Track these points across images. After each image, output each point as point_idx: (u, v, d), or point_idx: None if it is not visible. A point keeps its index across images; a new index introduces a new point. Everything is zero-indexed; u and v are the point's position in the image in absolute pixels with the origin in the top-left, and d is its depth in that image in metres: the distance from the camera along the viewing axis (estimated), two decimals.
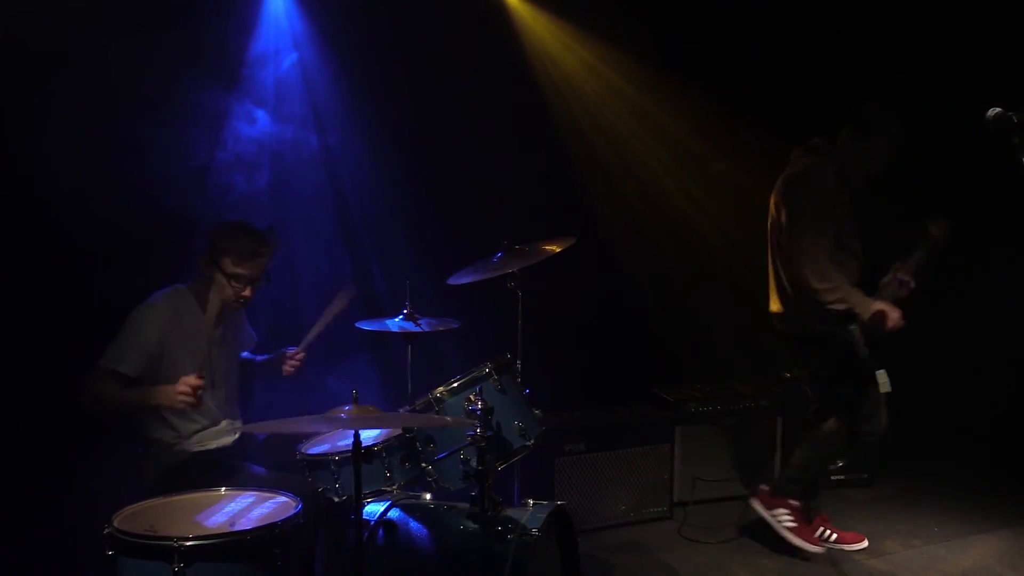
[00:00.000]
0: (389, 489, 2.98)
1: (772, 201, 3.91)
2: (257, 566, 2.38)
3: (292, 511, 2.52)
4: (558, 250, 3.40)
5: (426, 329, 3.47)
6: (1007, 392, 4.77)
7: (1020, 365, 4.72)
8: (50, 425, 3.40)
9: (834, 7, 4.88)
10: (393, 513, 2.81)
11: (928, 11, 4.74)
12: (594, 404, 4.51)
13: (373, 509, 2.91)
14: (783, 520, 3.88)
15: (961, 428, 4.80)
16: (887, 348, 3.63)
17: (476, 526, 2.66)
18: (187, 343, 3.11)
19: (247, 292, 3.14)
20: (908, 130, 3.74)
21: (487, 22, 4.75)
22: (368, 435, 3.13)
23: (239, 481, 2.87)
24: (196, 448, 3.12)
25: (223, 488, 2.70)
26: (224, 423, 3.25)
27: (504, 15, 4.86)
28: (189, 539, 2.29)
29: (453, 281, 3.44)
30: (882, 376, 3.57)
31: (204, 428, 3.17)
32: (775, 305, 3.94)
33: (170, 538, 2.29)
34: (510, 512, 2.74)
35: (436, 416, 2.85)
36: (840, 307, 3.60)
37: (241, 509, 2.62)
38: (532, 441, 2.97)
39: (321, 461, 3.00)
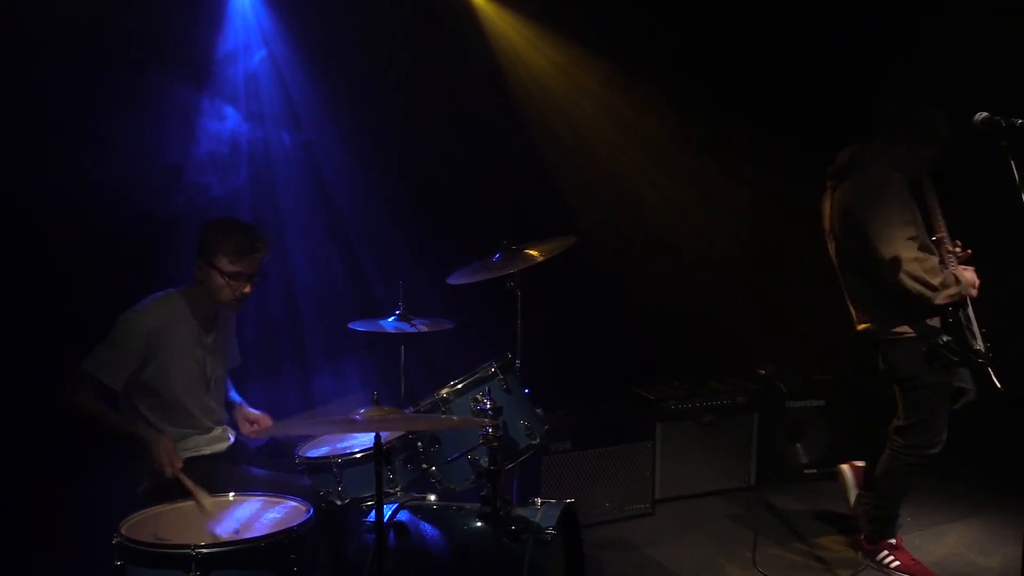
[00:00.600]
0: (392, 491, 2.96)
1: (838, 212, 3.65)
2: (274, 572, 2.34)
3: (306, 515, 2.48)
4: (557, 251, 3.41)
5: (421, 330, 3.45)
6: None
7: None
8: (28, 431, 3.29)
9: (806, 4, 4.98)
10: (402, 515, 2.78)
11: (908, 9, 4.87)
12: (577, 403, 4.54)
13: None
14: (888, 562, 3.74)
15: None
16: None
17: (490, 526, 2.65)
18: (177, 351, 3.03)
19: (247, 289, 3.06)
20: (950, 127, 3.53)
21: (453, 21, 4.73)
22: (367, 437, 3.11)
23: (237, 486, 2.80)
24: (190, 454, 3.03)
25: (231, 493, 2.65)
26: (218, 430, 3.17)
27: (471, 15, 4.84)
28: (206, 546, 2.24)
29: (453, 280, 3.42)
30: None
31: (196, 435, 3.09)
32: (861, 324, 3.73)
33: (187, 546, 2.24)
34: (521, 511, 2.74)
35: (456, 417, 2.82)
36: (953, 292, 3.43)
37: (251, 515, 2.57)
38: (538, 440, 2.99)
39: (323, 464, 2.97)
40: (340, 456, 2.95)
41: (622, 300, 5.04)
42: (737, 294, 5.16)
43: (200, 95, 4.21)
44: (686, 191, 5.23)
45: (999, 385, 3.37)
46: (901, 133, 3.55)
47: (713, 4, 5.04)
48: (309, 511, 2.51)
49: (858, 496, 3.93)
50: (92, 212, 3.62)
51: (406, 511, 2.79)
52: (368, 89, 4.51)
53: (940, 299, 3.39)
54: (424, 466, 3.01)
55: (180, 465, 2.76)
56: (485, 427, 2.69)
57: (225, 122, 4.32)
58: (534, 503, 2.83)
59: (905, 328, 3.52)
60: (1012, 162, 2.84)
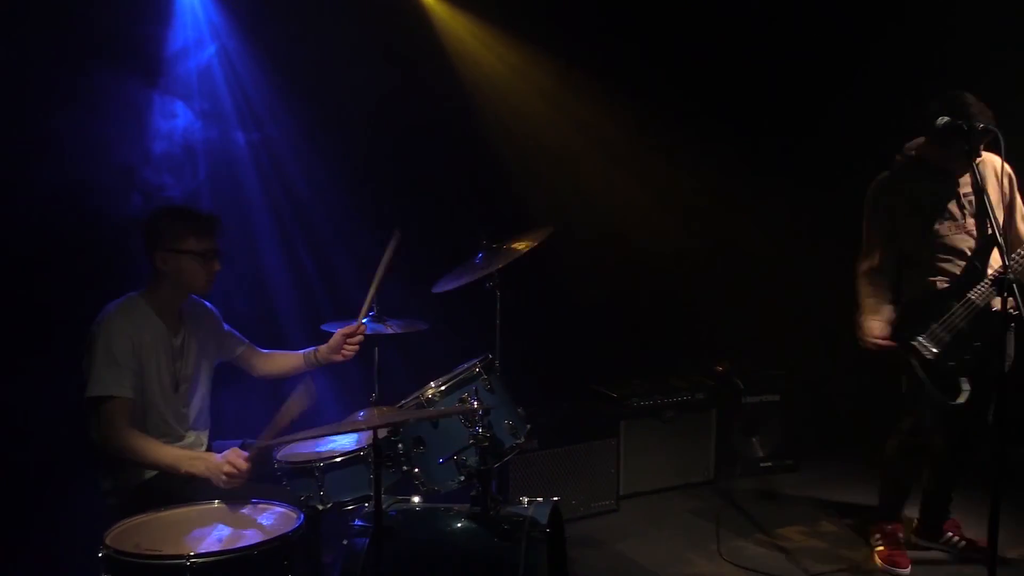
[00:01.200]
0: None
1: None
2: None
3: (297, 521, 2.44)
4: (536, 244, 3.42)
5: (397, 331, 3.41)
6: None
7: None
8: None
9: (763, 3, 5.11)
10: (391, 518, 2.75)
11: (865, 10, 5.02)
12: (542, 402, 4.56)
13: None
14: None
15: (865, 413, 5.09)
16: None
17: (482, 527, 2.65)
18: (152, 354, 2.95)
19: (218, 265, 3.03)
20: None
21: (404, 18, 4.70)
22: (348, 440, 3.07)
23: (220, 494, 2.72)
24: None
25: (216, 501, 2.58)
26: (191, 436, 3.09)
27: (422, 15, 4.82)
28: (200, 556, 2.19)
29: (439, 288, 3.40)
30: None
31: (170, 442, 3.00)
32: None
33: (181, 556, 2.18)
34: (510, 511, 2.75)
35: (447, 408, 2.78)
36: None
37: (238, 522, 2.51)
38: (522, 439, 2.98)
39: (304, 468, 2.91)
40: (322, 459, 2.89)
41: (581, 299, 5.09)
42: (694, 292, 5.25)
43: (151, 92, 4.11)
44: (642, 189, 5.30)
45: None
46: (927, 130, 3.43)
47: (663, 2, 5.12)
48: (300, 516, 2.47)
49: None
50: (35, 213, 3.49)
51: (394, 513, 2.76)
52: (324, 88, 4.46)
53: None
54: (405, 468, 2.98)
55: (244, 457, 2.73)
56: (475, 427, 2.68)
57: (179, 120, 4.22)
58: (521, 502, 2.84)
59: None
60: (974, 164, 2.99)
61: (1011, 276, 2.78)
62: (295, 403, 2.84)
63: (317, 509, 2.88)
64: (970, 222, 3.47)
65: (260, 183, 4.33)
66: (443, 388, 2.93)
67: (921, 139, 3.51)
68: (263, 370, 3.42)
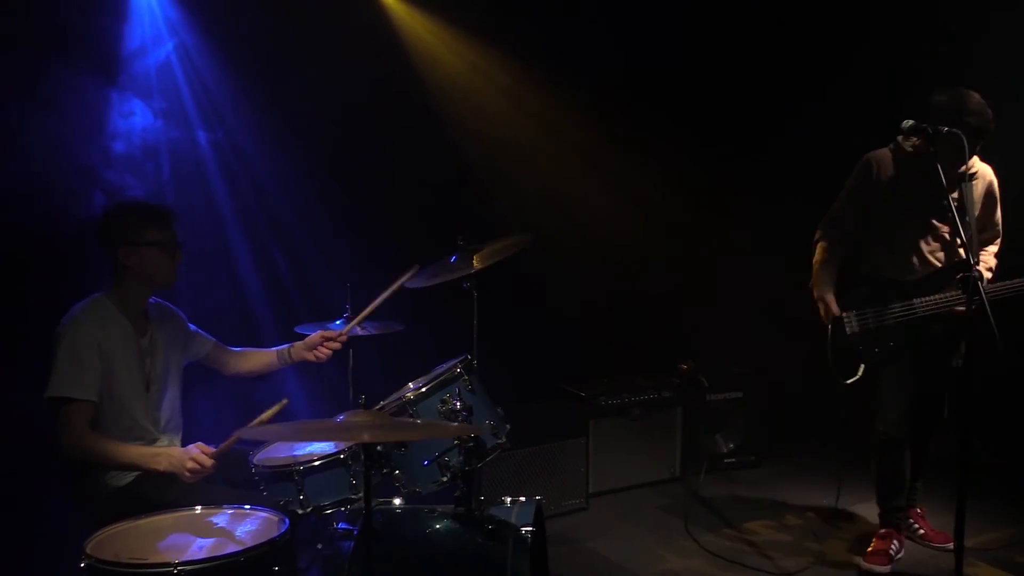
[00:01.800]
0: (356, 497, 2.90)
1: None
2: None
3: (283, 526, 2.41)
4: (519, 246, 3.43)
5: (372, 332, 3.39)
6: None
7: None
8: None
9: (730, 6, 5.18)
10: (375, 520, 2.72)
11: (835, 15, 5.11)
12: (512, 402, 4.55)
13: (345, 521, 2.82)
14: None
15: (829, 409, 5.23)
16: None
17: (468, 527, 2.65)
18: (119, 355, 2.90)
19: (180, 255, 3.02)
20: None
21: (364, 17, 4.67)
22: (325, 442, 3.03)
23: (198, 499, 2.67)
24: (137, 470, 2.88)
25: (198, 507, 2.53)
26: (164, 440, 3.02)
27: (381, 13, 4.80)
28: (188, 563, 2.14)
29: (412, 285, 3.38)
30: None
31: (143, 446, 2.93)
32: None
33: (168, 564, 2.13)
34: (495, 511, 2.75)
35: (458, 425, 2.77)
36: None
37: (222, 529, 2.47)
38: (503, 439, 2.99)
39: (283, 472, 2.88)
40: (301, 463, 2.86)
41: (549, 300, 5.11)
42: (659, 292, 5.31)
43: (109, 89, 4.03)
44: (606, 189, 5.34)
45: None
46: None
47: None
48: (285, 521, 2.44)
49: None
50: None
51: (377, 515, 2.74)
52: (286, 87, 4.41)
53: None
54: (385, 470, 2.97)
55: (210, 453, 2.77)
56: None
57: (139, 118, 4.14)
58: (504, 502, 2.85)
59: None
60: (939, 166, 3.09)
61: (976, 274, 2.87)
62: (269, 413, 2.84)
63: (297, 513, 2.85)
64: (941, 227, 3.56)
65: (225, 181, 4.27)
66: (424, 390, 2.92)
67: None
68: (235, 368, 3.38)
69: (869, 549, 3.78)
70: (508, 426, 3.07)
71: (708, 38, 5.21)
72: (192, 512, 2.52)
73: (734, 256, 5.30)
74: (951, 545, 3.39)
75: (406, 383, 3.12)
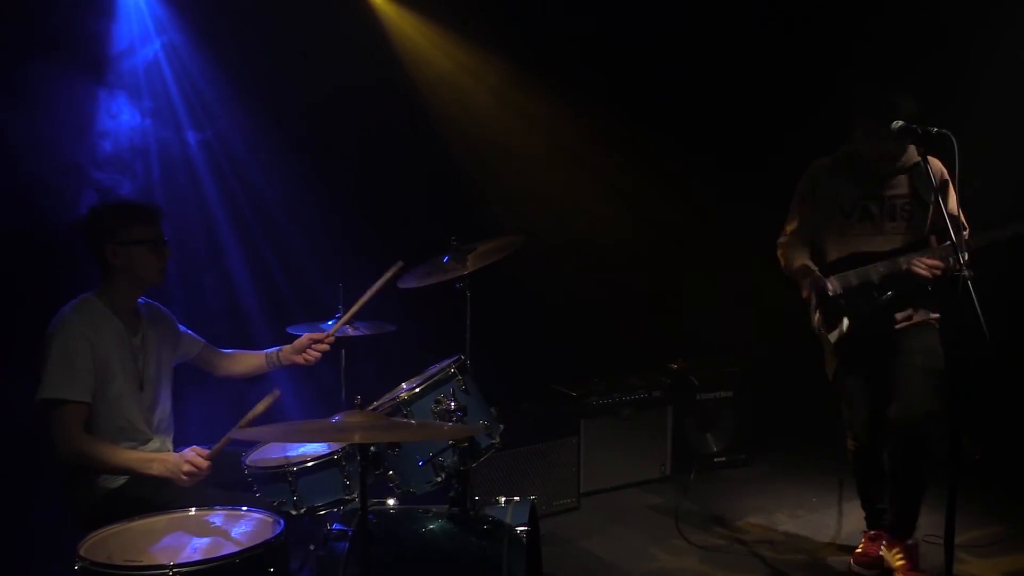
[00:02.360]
0: (349, 498, 2.90)
1: None
2: None
3: (279, 527, 2.40)
4: (512, 247, 3.43)
5: (365, 332, 3.39)
6: None
7: None
8: None
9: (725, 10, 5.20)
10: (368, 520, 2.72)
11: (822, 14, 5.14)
12: (502, 402, 4.55)
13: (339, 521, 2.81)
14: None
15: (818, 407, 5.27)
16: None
17: (463, 527, 2.65)
18: (114, 355, 2.88)
19: (168, 252, 3.01)
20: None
21: (353, 19, 4.67)
22: (318, 443, 3.02)
23: (191, 501, 2.66)
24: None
25: (192, 509, 2.51)
26: (156, 441, 3.01)
27: (370, 13, 4.79)
28: (184, 565, 2.13)
29: (405, 285, 3.38)
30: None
31: (137, 446, 2.91)
32: None
33: (164, 566, 2.12)
34: (489, 511, 2.75)
35: (453, 426, 2.76)
36: (796, 278, 3.69)
37: (216, 530, 2.45)
38: (497, 439, 3.00)
39: (277, 473, 2.86)
40: (295, 464, 2.85)
41: (539, 299, 5.12)
42: (650, 291, 5.33)
43: (97, 88, 4.01)
44: (596, 188, 5.36)
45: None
46: (857, 119, 3.53)
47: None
48: (280, 522, 2.43)
49: None
50: None
51: (371, 516, 2.73)
52: (276, 87, 4.41)
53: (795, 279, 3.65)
54: (379, 471, 2.96)
55: (205, 455, 2.77)
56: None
57: (128, 117, 4.13)
58: (498, 502, 2.85)
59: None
60: (928, 168, 3.11)
61: (966, 274, 2.87)
62: (260, 406, 2.83)
63: (291, 515, 2.84)
64: (889, 225, 3.55)
65: (214, 180, 4.26)
66: (417, 390, 2.92)
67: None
68: (225, 370, 3.37)
69: (858, 550, 3.80)
70: (502, 426, 3.07)
71: (696, 41, 5.23)
72: (186, 514, 2.50)
73: (725, 256, 5.32)
74: None
75: (399, 383, 3.12)
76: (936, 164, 3.52)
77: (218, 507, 2.56)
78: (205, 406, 3.48)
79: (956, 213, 3.53)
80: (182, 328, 3.24)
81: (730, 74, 5.25)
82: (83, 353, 2.77)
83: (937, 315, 3.62)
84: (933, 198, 3.43)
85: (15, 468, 3.03)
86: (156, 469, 2.74)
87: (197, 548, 2.34)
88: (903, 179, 3.57)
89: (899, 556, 3.60)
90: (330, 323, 3.46)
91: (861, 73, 4.83)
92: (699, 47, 5.21)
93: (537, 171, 5.29)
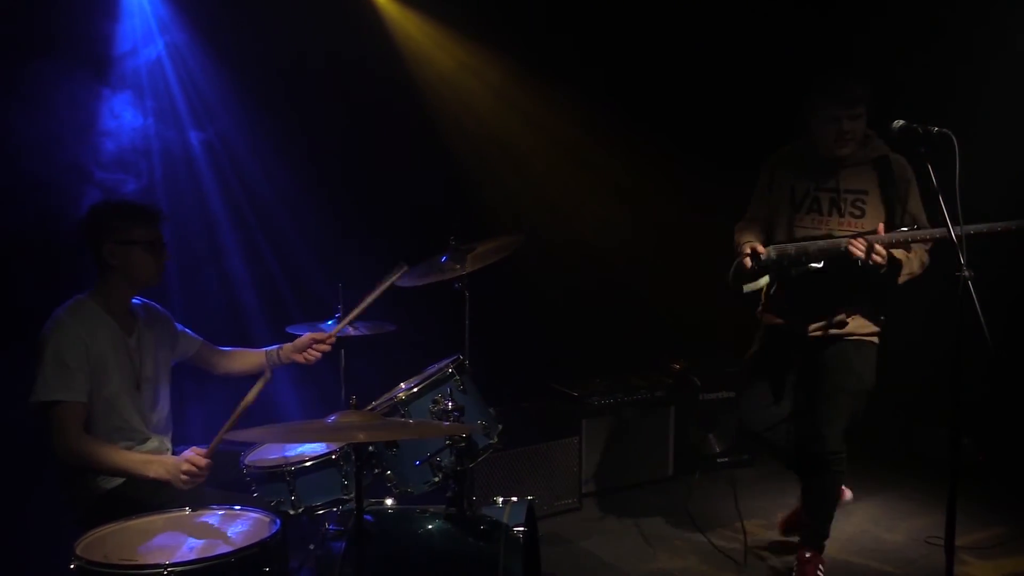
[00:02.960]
0: (347, 498, 2.90)
1: None
2: None
3: (274, 527, 2.40)
4: (511, 247, 3.43)
5: (364, 332, 3.39)
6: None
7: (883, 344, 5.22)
8: None
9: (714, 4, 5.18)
10: (365, 520, 2.72)
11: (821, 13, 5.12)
12: (503, 402, 4.55)
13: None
14: None
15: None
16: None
17: (459, 527, 2.65)
18: (110, 355, 2.88)
19: (167, 254, 3.01)
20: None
21: (355, 19, 4.67)
22: (317, 443, 3.02)
23: (188, 501, 2.66)
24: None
25: (187, 508, 2.52)
26: (154, 441, 3.01)
27: (372, 13, 4.79)
28: (179, 565, 2.13)
29: (402, 283, 3.38)
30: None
31: (131, 447, 2.92)
32: None
33: (159, 565, 2.12)
34: (487, 511, 2.75)
35: (449, 424, 2.76)
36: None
37: (212, 530, 2.46)
38: (495, 440, 2.99)
39: (275, 473, 2.87)
40: (293, 464, 2.85)
41: (541, 299, 5.11)
42: (652, 291, 5.32)
43: (100, 88, 4.01)
44: (597, 188, 5.35)
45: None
46: (815, 103, 3.48)
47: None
48: (276, 522, 2.43)
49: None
50: None
51: (369, 516, 2.74)
52: (278, 87, 4.41)
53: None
54: (377, 470, 2.96)
55: (203, 454, 2.76)
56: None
57: (130, 117, 4.13)
58: (495, 502, 2.85)
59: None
60: (930, 167, 3.08)
61: (966, 275, 2.85)
62: (253, 392, 2.79)
63: (288, 514, 2.85)
64: (836, 220, 3.46)
65: (216, 181, 4.26)
66: (415, 390, 2.92)
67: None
68: (224, 368, 3.37)
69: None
70: (500, 426, 3.07)
71: (698, 41, 5.22)
72: (183, 513, 2.51)
73: (726, 255, 5.29)
74: None
75: (398, 383, 3.12)
76: (900, 162, 3.51)
77: (215, 506, 2.56)
78: (205, 406, 3.48)
79: (918, 213, 3.47)
80: (180, 327, 3.24)
81: (731, 74, 5.24)
82: (77, 353, 2.77)
83: (876, 330, 3.52)
84: (898, 193, 3.43)
85: (13, 467, 3.03)
86: (154, 471, 2.74)
87: (193, 547, 2.34)
88: (867, 172, 3.51)
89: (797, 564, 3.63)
90: (330, 323, 3.46)
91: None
92: (701, 47, 5.20)
93: (540, 170, 5.28)
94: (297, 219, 4.34)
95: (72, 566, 2.16)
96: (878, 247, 3.25)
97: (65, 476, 2.83)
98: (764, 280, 3.48)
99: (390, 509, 2.86)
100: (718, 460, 5.03)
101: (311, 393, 3.95)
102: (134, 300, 3.06)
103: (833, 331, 3.50)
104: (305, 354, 3.31)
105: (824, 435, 3.47)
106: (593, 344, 5.17)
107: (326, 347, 3.31)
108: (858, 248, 3.24)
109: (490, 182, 5.08)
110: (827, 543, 3.97)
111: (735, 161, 5.25)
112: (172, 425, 3.12)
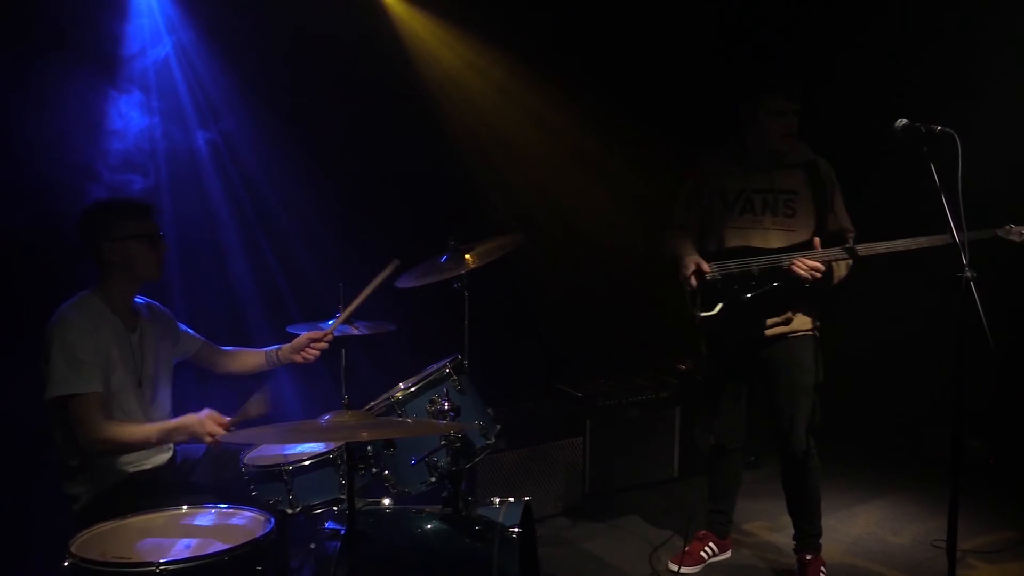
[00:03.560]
0: (345, 497, 2.90)
1: None
2: None
3: (268, 526, 2.41)
4: (511, 246, 3.43)
5: (364, 332, 3.39)
6: (869, 373, 5.25)
7: (883, 348, 5.19)
8: None
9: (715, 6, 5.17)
10: (361, 520, 2.73)
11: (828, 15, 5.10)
12: (508, 403, 4.56)
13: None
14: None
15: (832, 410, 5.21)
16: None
17: (454, 528, 2.65)
18: (115, 351, 2.90)
19: (165, 246, 3.03)
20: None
21: (362, 18, 4.67)
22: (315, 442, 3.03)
23: (187, 499, 2.68)
24: (132, 469, 2.89)
25: (184, 506, 2.53)
26: None
27: (379, 12, 4.80)
28: (171, 562, 2.14)
29: (402, 284, 3.38)
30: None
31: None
32: None
33: (151, 563, 2.13)
34: (482, 511, 2.75)
35: (444, 423, 2.76)
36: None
37: (207, 528, 2.47)
38: (492, 440, 2.98)
39: (272, 472, 2.87)
40: (291, 463, 2.86)
41: (545, 299, 5.10)
42: (656, 291, 5.28)
43: (107, 88, 4.03)
44: (604, 188, 5.33)
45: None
46: (759, 99, 3.54)
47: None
48: (271, 521, 2.44)
49: None
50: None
51: (365, 516, 2.74)
52: (282, 86, 4.42)
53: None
54: (375, 470, 2.96)
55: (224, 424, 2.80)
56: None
57: (137, 116, 4.14)
58: (492, 503, 2.84)
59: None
60: (933, 167, 3.05)
61: (968, 275, 2.82)
62: (250, 409, 2.82)
63: (286, 513, 2.85)
64: (770, 219, 3.53)
65: (220, 179, 4.28)
66: (412, 390, 2.92)
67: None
68: (224, 367, 3.38)
69: (686, 548, 3.81)
70: (499, 427, 3.06)
71: (699, 40, 5.20)
72: (178, 511, 2.52)
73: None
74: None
75: (397, 383, 3.12)
76: (826, 166, 3.62)
77: (210, 505, 2.57)
78: (205, 405, 3.48)
79: (842, 215, 3.60)
80: (182, 326, 3.26)
81: (733, 73, 5.20)
82: (85, 345, 2.79)
83: (816, 324, 3.59)
84: (827, 196, 3.54)
85: (14, 467, 3.05)
86: (182, 437, 2.81)
87: (187, 546, 2.35)
88: (798, 174, 3.58)
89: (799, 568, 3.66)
90: (330, 323, 3.46)
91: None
92: (702, 47, 5.18)
93: (543, 169, 5.27)
94: (299, 219, 4.35)
95: (66, 563, 2.17)
96: (817, 264, 3.37)
97: (63, 473, 2.83)
98: (719, 306, 3.52)
99: (387, 509, 2.86)
100: None
101: (312, 393, 3.95)
102: (137, 299, 3.08)
103: (777, 329, 3.57)
104: (303, 353, 3.32)
105: (793, 434, 3.57)
106: (597, 344, 5.16)
107: (323, 345, 3.32)
108: (802, 270, 3.36)
109: (494, 181, 5.07)
110: (832, 545, 3.97)
111: None
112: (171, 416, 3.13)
